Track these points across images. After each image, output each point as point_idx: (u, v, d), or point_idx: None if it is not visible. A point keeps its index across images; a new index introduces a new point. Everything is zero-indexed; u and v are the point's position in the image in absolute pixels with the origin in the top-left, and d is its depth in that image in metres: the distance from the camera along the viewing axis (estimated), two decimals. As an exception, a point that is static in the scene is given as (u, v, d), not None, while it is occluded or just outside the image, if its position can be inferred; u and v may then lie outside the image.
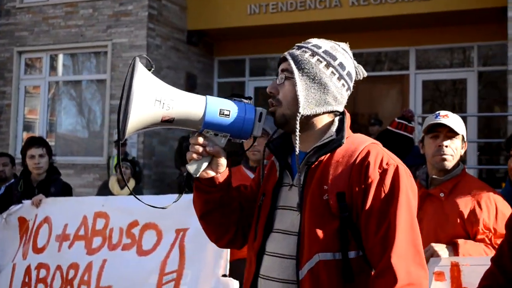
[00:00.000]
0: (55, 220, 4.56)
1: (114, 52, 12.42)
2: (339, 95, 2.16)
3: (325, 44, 2.20)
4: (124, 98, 1.97)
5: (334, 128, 2.15)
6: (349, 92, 2.22)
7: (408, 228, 1.99)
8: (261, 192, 2.29)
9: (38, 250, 4.55)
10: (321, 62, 2.14)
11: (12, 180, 5.95)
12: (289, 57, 2.16)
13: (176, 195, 2.31)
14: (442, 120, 3.31)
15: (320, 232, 2.03)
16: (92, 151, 12.93)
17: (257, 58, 14.28)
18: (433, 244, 3.09)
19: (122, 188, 9.07)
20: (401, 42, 12.80)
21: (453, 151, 3.32)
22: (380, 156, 2.07)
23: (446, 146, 3.32)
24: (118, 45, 12.37)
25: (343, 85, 2.17)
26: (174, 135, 12.65)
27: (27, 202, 4.84)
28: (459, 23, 12.02)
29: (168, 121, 2.05)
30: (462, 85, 12.81)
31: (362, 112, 13.22)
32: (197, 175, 2.14)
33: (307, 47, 2.18)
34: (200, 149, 2.11)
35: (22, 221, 4.81)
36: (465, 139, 3.40)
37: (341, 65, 2.17)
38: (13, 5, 13.33)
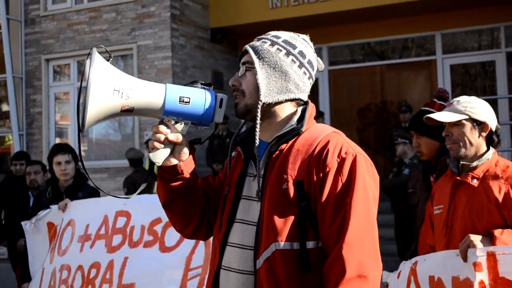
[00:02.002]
0: (78, 222, 4.61)
1: (139, 55, 12.48)
2: (301, 82, 2.17)
3: (284, 34, 2.25)
4: (84, 89, 1.97)
5: (296, 117, 2.15)
6: (311, 81, 2.23)
7: (363, 218, 1.95)
8: (227, 182, 2.29)
9: (61, 253, 4.61)
10: (280, 50, 2.16)
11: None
12: (249, 49, 2.17)
13: None
14: (433, 115, 3.28)
15: (278, 221, 2.01)
16: (124, 154, 13.01)
17: (282, 52, 14.19)
18: (470, 235, 3.01)
19: None
20: (427, 27, 12.62)
21: (458, 138, 3.25)
22: (340, 145, 2.05)
23: (447, 135, 3.29)
24: (143, 47, 12.41)
25: (304, 73, 2.18)
26: (205, 134, 12.68)
27: (54, 207, 4.89)
28: (484, 4, 11.81)
29: (127, 111, 2.05)
30: (492, 67, 12.60)
31: (390, 100, 13.09)
32: (160, 164, 2.14)
33: (266, 38, 2.21)
34: (162, 137, 2.10)
35: (51, 226, 4.89)
36: (480, 122, 3.24)
37: (301, 53, 2.19)
38: (38, 13, 13.46)
